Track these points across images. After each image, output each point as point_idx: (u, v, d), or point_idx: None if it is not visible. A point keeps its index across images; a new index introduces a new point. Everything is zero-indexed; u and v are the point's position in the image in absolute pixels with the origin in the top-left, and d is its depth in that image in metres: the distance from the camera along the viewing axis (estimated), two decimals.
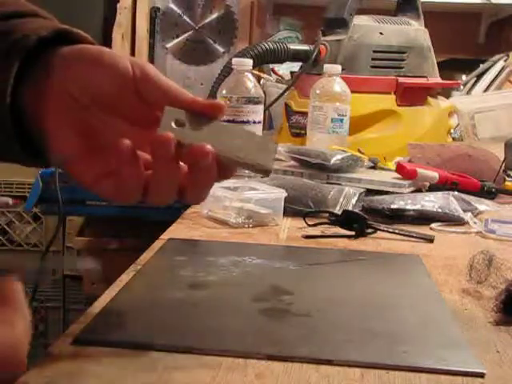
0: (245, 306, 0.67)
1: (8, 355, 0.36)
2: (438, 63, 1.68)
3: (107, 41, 2.84)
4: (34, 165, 0.58)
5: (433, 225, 1.07)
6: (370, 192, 1.18)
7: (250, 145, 0.56)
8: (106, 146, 0.55)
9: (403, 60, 1.58)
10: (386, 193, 1.18)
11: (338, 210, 1.05)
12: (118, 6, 2.83)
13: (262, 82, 2.04)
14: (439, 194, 1.14)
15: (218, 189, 1.06)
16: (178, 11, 2.91)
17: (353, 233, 0.99)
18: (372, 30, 1.57)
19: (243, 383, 0.51)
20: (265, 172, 0.56)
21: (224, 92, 1.19)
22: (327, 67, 1.45)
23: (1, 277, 0.38)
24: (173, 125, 0.54)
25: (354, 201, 1.10)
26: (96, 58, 0.55)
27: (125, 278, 0.74)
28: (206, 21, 2.92)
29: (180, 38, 2.93)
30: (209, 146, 0.53)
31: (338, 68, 1.45)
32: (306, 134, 1.48)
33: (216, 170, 0.54)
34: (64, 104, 0.55)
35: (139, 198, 0.55)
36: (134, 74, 0.55)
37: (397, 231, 1.00)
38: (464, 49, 2.88)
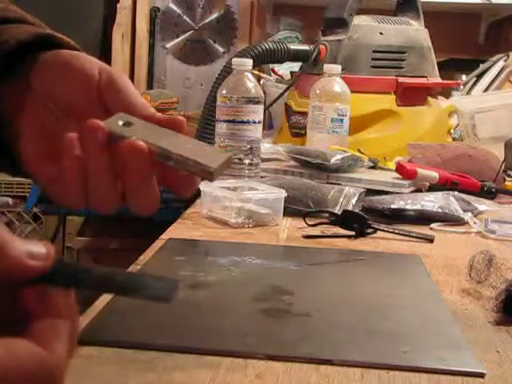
0: (245, 306, 0.67)
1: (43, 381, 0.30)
2: (438, 63, 1.68)
3: (107, 41, 2.84)
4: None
5: (433, 225, 1.07)
6: (370, 192, 1.18)
7: (198, 150, 0.49)
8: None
9: (403, 60, 1.58)
10: (386, 193, 1.18)
11: (337, 210, 1.05)
12: (118, 6, 2.83)
13: (262, 82, 2.04)
14: (439, 194, 1.14)
15: (217, 189, 1.06)
16: (178, 11, 2.92)
17: (353, 233, 0.99)
18: (372, 29, 1.57)
19: (243, 383, 0.51)
20: (209, 174, 0.47)
21: (224, 92, 1.19)
22: (327, 67, 1.45)
23: (58, 287, 0.32)
24: (119, 122, 0.50)
25: (353, 201, 1.10)
26: (65, 62, 0.54)
27: None
28: (206, 21, 2.92)
29: (180, 38, 2.93)
30: (141, 142, 0.47)
31: (338, 68, 1.45)
32: (305, 134, 1.48)
33: (151, 171, 0.48)
34: (33, 108, 0.55)
35: (82, 200, 0.51)
36: (100, 80, 0.53)
37: (397, 231, 1.00)
38: (464, 49, 2.88)
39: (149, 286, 0.34)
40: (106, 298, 0.67)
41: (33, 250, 0.31)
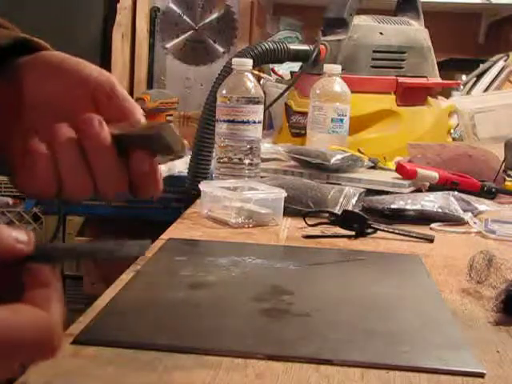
0: (245, 306, 0.67)
1: (45, 339, 0.35)
2: (438, 63, 1.68)
3: (107, 41, 2.84)
4: None
5: (433, 225, 1.07)
6: (370, 192, 1.18)
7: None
8: None
9: (403, 60, 1.58)
10: (386, 193, 1.18)
11: (337, 210, 1.04)
12: (118, 6, 2.82)
13: (262, 82, 2.04)
14: (439, 194, 1.14)
15: (217, 189, 1.06)
16: (178, 11, 2.91)
17: (353, 233, 0.99)
18: (372, 29, 1.57)
19: (243, 383, 0.51)
20: (169, 148, 0.50)
21: (224, 92, 1.19)
22: (327, 67, 1.45)
23: (41, 263, 0.38)
24: None
25: (354, 201, 1.10)
26: (54, 65, 0.54)
27: (125, 277, 0.74)
28: (206, 21, 2.92)
29: (180, 38, 2.93)
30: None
31: (338, 68, 1.45)
32: (305, 134, 1.48)
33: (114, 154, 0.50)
34: (16, 111, 0.55)
35: (52, 189, 0.51)
36: (97, 84, 0.53)
37: (397, 231, 1.00)
38: (464, 49, 2.88)
39: (123, 247, 0.40)
40: (106, 298, 0.67)
41: (19, 236, 0.38)
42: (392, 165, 1.34)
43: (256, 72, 1.96)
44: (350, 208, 1.07)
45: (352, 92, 1.44)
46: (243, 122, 1.17)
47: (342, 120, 1.42)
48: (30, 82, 0.54)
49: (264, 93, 1.28)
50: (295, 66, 1.88)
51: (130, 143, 0.51)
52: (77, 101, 0.54)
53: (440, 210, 1.09)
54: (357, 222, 0.99)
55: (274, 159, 1.35)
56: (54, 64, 0.54)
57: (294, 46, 1.58)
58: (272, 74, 2.31)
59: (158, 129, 0.50)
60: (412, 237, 0.99)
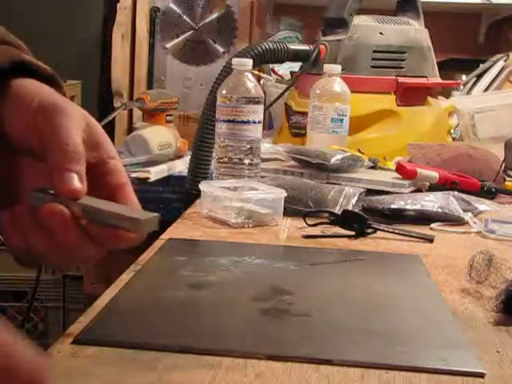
0: (245, 306, 0.67)
1: None
2: (438, 63, 1.68)
3: (107, 41, 2.84)
4: None
5: (433, 225, 1.07)
6: (370, 192, 1.18)
7: (128, 209, 0.49)
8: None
9: (403, 60, 1.58)
10: (386, 193, 1.18)
11: (337, 210, 1.04)
12: (118, 6, 2.82)
13: (261, 82, 2.04)
14: (439, 194, 1.14)
15: (218, 189, 1.06)
16: (178, 11, 2.92)
17: (353, 233, 0.99)
18: (372, 29, 1.57)
19: (243, 383, 0.51)
20: (136, 225, 0.47)
21: (224, 92, 1.19)
22: (327, 67, 1.45)
23: None
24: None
25: (354, 201, 1.10)
26: (27, 99, 0.51)
27: (125, 277, 0.74)
28: (206, 21, 2.92)
29: (180, 38, 2.93)
30: (60, 206, 0.47)
31: (338, 68, 1.45)
32: (305, 134, 1.48)
33: (75, 231, 0.47)
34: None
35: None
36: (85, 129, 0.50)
37: (397, 231, 1.00)
38: (464, 49, 2.88)
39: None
40: (106, 298, 0.67)
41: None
42: (392, 165, 1.34)
43: (256, 72, 1.96)
44: (350, 208, 1.07)
45: (352, 92, 1.44)
46: (243, 122, 1.17)
47: (342, 120, 1.42)
48: (7, 111, 0.51)
49: (264, 93, 1.28)
50: (295, 66, 1.88)
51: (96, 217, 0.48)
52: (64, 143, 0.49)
53: (440, 210, 1.09)
54: (357, 222, 0.99)
55: (274, 159, 1.35)
56: (27, 98, 0.51)
57: (293, 46, 1.57)
58: (272, 73, 2.31)
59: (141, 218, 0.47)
60: (412, 237, 0.99)
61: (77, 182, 0.48)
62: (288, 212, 1.07)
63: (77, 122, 0.50)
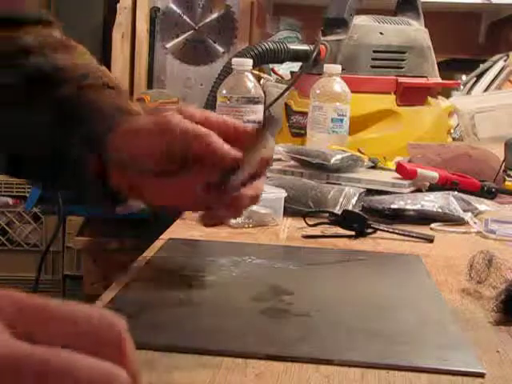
0: (245, 306, 0.67)
1: None
2: (438, 63, 1.68)
3: (107, 41, 2.84)
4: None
5: (433, 225, 1.07)
6: (369, 192, 1.18)
7: None
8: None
9: (403, 60, 1.58)
10: (386, 193, 1.18)
11: (337, 210, 1.04)
12: (118, 6, 2.83)
13: (261, 82, 2.04)
14: (439, 194, 1.14)
15: None
16: (178, 11, 2.91)
17: (353, 233, 0.99)
18: (372, 29, 1.57)
19: (243, 383, 0.51)
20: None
21: (224, 92, 1.19)
22: (327, 67, 1.45)
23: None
24: None
25: (354, 201, 1.10)
26: (143, 134, 0.68)
27: (125, 278, 0.74)
28: (206, 21, 2.92)
29: (180, 38, 2.93)
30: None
31: (338, 68, 1.45)
32: (306, 134, 1.48)
33: None
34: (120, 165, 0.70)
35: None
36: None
37: (397, 231, 1.00)
38: (464, 49, 2.88)
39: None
40: (106, 298, 0.67)
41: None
42: (392, 165, 1.34)
43: (256, 72, 1.96)
44: (350, 208, 1.07)
45: (352, 92, 1.44)
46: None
47: (342, 120, 1.42)
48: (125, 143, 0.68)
49: (264, 93, 1.28)
50: (295, 66, 1.88)
51: None
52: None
53: (440, 210, 1.09)
54: (357, 222, 0.99)
55: (274, 159, 1.35)
56: (142, 133, 0.68)
57: (293, 46, 1.58)
58: (272, 73, 2.31)
59: None
60: (412, 237, 0.99)
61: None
62: (288, 212, 1.07)
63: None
